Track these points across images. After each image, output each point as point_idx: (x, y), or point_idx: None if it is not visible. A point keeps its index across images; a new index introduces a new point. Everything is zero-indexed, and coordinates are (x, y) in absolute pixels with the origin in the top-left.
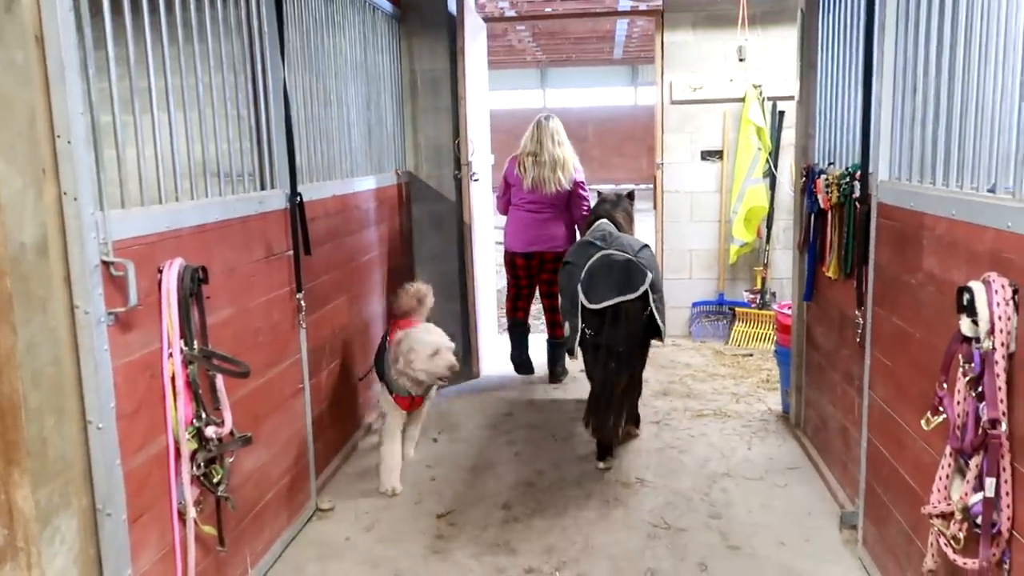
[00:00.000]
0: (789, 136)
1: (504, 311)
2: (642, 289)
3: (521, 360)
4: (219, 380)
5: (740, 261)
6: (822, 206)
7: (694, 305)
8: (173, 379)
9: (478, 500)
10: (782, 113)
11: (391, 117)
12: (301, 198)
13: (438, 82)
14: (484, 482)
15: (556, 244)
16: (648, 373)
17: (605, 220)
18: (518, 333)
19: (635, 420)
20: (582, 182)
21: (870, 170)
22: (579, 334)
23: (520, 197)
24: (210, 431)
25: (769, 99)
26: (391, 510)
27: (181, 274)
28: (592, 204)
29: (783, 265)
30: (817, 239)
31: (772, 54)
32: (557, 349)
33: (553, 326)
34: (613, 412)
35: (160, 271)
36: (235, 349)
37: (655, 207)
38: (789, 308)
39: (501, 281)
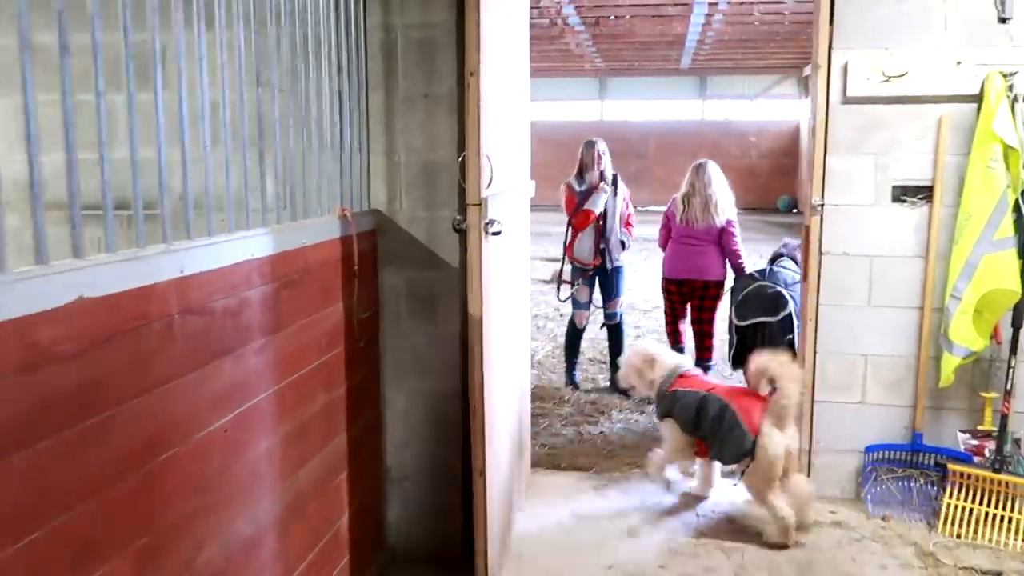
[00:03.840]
0: None
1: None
2: (783, 313)
3: None
4: None
5: (956, 379)
6: None
7: (868, 450)
8: None
9: None
10: None
11: (335, 108)
12: None
13: (433, 47)
14: None
15: (706, 274)
16: None
17: (785, 258)
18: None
19: None
20: (732, 221)
21: None
22: (732, 349)
23: (677, 231)
24: None
25: None
26: None
27: None
28: (739, 241)
29: None
30: None
31: None
32: (704, 369)
33: (700, 349)
34: None
35: None
36: None
37: (805, 277)
38: None
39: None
